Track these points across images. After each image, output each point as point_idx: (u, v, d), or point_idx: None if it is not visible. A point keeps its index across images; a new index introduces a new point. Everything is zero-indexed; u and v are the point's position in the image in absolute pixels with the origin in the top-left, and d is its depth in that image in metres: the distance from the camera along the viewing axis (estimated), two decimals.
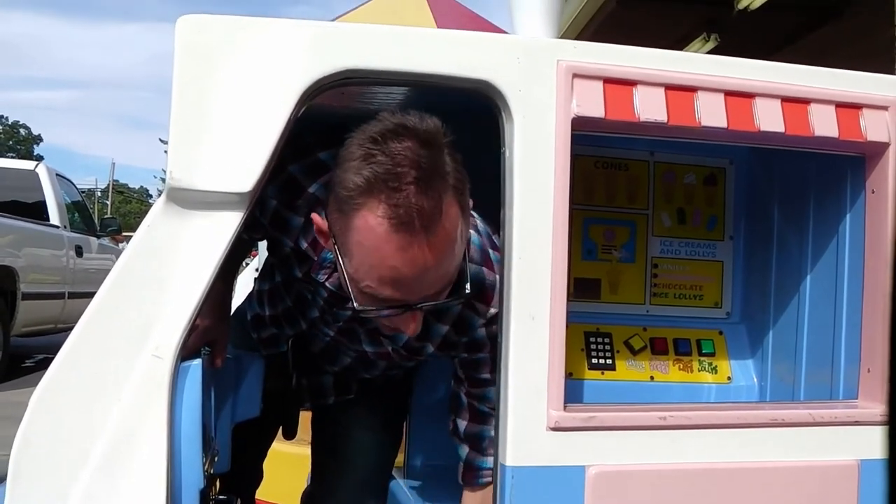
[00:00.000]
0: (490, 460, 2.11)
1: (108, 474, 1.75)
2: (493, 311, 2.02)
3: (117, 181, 78.50)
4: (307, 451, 2.64)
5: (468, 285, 1.84)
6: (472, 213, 2.05)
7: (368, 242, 1.68)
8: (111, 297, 1.78)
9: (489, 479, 2.12)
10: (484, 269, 2.02)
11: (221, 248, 1.77)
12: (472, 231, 2.01)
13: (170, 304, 1.77)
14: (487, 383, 2.12)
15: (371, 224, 1.65)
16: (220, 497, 2.15)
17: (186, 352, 1.81)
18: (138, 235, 1.79)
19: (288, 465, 3.14)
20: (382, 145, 1.66)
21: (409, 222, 1.63)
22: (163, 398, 1.76)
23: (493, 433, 2.07)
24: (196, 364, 1.83)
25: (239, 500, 2.23)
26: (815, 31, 7.40)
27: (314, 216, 1.81)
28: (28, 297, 9.23)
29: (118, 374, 1.76)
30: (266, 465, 2.75)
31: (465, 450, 2.14)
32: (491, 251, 2.05)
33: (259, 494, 2.77)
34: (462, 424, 2.14)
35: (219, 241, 1.77)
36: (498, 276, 1.99)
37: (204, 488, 1.84)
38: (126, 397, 1.76)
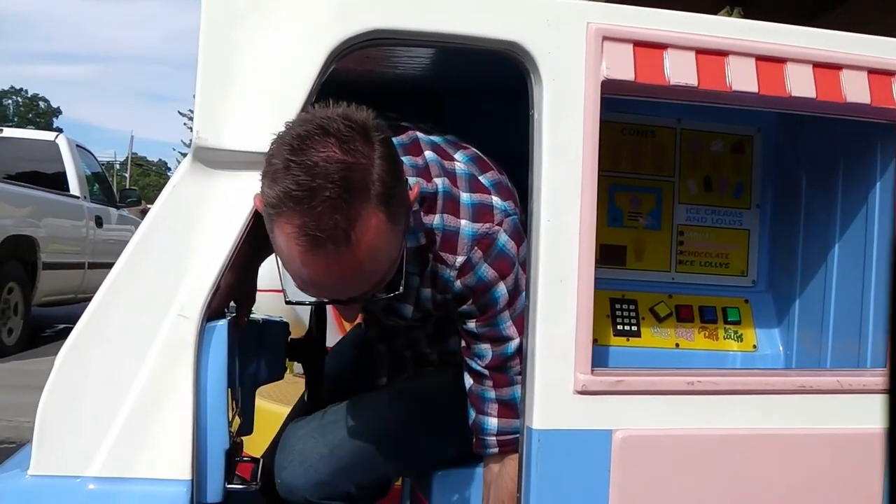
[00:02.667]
0: (492, 421, 2.07)
1: (133, 434, 1.76)
2: (460, 259, 1.96)
3: (136, 154, 78.79)
4: None
5: (402, 284, 1.82)
6: (455, 157, 2.03)
7: (286, 252, 1.66)
8: (137, 257, 1.78)
9: (495, 448, 2.09)
10: (447, 216, 1.96)
11: (247, 208, 1.77)
12: (439, 179, 1.97)
13: (195, 263, 1.77)
14: (477, 339, 2.05)
15: (286, 237, 1.63)
16: (245, 458, 2.15)
17: (211, 311, 1.81)
18: (164, 195, 1.79)
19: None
20: (301, 155, 1.60)
21: (319, 243, 1.61)
22: (189, 358, 1.76)
23: (493, 394, 2.06)
24: (222, 324, 1.83)
25: (261, 460, 2.23)
26: (838, 7, 7.34)
27: (255, 197, 1.75)
28: (48, 266, 9.25)
29: (144, 334, 1.76)
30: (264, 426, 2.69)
31: (472, 411, 2.12)
32: (464, 195, 1.98)
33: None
34: (468, 382, 2.12)
35: (244, 201, 1.77)
36: (468, 221, 1.96)
37: (229, 449, 1.84)
38: (152, 357, 1.76)
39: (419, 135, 2.05)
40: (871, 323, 2.19)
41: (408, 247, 1.85)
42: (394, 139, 1.92)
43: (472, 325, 2.04)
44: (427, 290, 2.04)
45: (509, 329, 2.00)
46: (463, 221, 1.96)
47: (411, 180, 1.88)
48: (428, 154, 2.00)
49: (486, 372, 2.05)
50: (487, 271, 1.96)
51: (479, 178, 2.01)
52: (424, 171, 1.95)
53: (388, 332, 2.43)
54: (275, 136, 1.67)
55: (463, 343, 2.10)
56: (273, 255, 1.79)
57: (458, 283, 1.99)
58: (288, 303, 1.84)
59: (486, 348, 2.04)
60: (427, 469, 2.29)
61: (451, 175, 1.99)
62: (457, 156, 2.04)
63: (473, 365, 2.07)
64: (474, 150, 2.08)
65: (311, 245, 1.60)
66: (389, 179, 1.66)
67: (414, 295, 2.06)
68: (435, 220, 1.95)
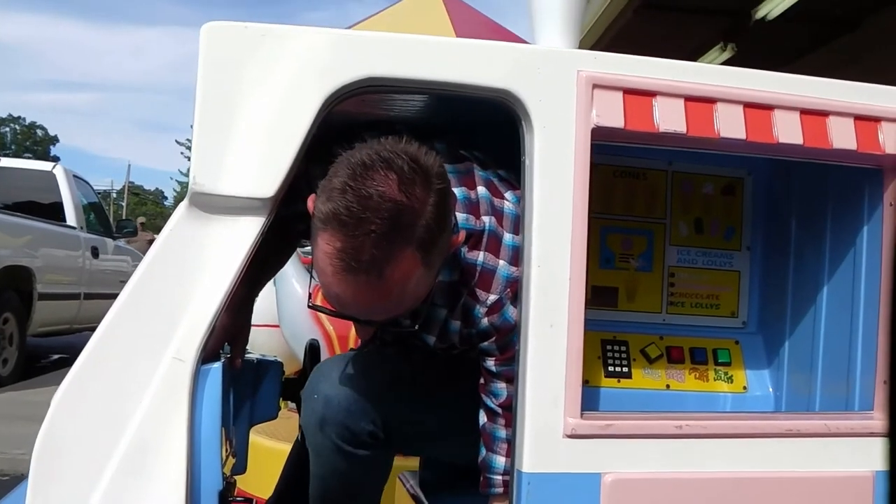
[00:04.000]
0: (500, 460, 2.10)
1: (128, 475, 1.77)
2: (492, 297, 2.02)
3: (133, 183, 78.82)
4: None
5: (418, 323, 1.94)
6: (506, 196, 2.09)
7: (321, 265, 1.75)
8: (134, 300, 1.80)
9: (500, 488, 2.11)
10: (488, 254, 2.02)
11: (243, 253, 1.79)
12: (487, 217, 2.03)
13: (191, 307, 1.79)
14: (494, 377, 2.11)
15: (323, 254, 1.72)
16: (238, 499, 2.16)
17: (207, 352, 1.83)
18: (161, 239, 1.82)
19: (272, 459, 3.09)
20: (361, 182, 1.68)
21: (352, 270, 1.70)
22: (183, 401, 1.78)
23: (503, 434, 2.09)
24: (216, 367, 1.85)
25: (255, 500, 2.24)
26: (832, 42, 7.40)
27: (311, 199, 1.82)
28: (44, 297, 9.27)
29: (140, 376, 1.78)
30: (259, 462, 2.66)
31: (483, 449, 2.15)
32: (507, 235, 2.04)
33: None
34: (482, 419, 2.15)
35: (241, 246, 1.80)
36: (506, 262, 2.02)
37: (223, 490, 1.86)
38: (147, 399, 1.78)
39: (475, 167, 2.11)
40: (860, 365, 2.21)
41: (442, 280, 1.95)
42: (451, 165, 2.00)
43: (490, 363, 2.10)
44: (456, 322, 2.09)
45: None
46: (501, 262, 2.02)
47: (460, 217, 1.97)
48: (480, 190, 2.06)
49: (500, 411, 2.10)
50: (514, 314, 2.01)
51: None
52: (475, 207, 2.02)
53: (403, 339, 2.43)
54: (343, 154, 1.75)
55: (481, 380, 2.15)
56: (264, 290, 1.83)
57: (485, 321, 2.05)
58: (310, 307, 1.98)
59: (502, 387, 2.09)
60: (436, 434, 2.31)
61: (498, 214, 2.05)
62: (507, 195, 2.10)
63: (489, 402, 2.12)
64: None
65: (344, 269, 1.70)
66: (435, 229, 1.75)
67: (438, 327, 2.11)
68: (479, 257, 2.02)
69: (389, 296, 1.76)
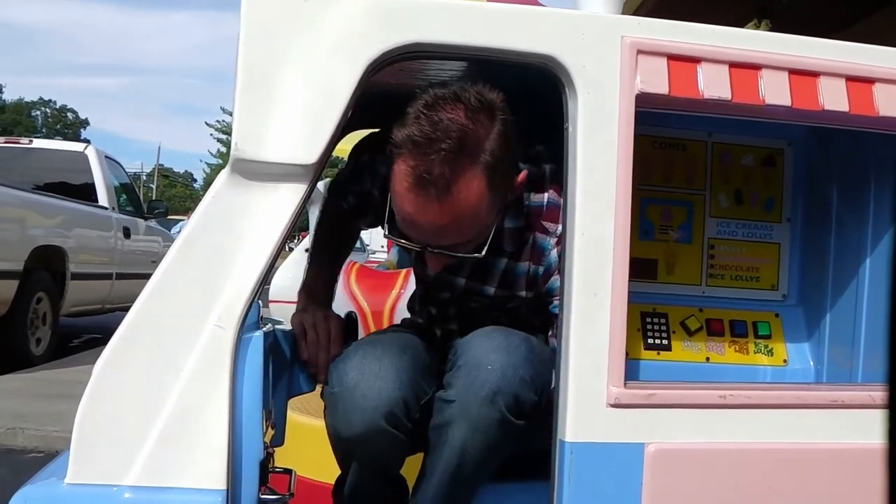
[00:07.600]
0: None
1: (170, 444, 1.77)
2: (561, 227, 2.02)
3: (162, 165, 79.28)
4: None
5: (485, 249, 2.04)
6: None
7: (396, 187, 1.92)
8: (175, 267, 1.80)
9: None
10: (552, 192, 2.17)
11: (286, 220, 1.79)
12: (547, 165, 2.17)
13: (233, 275, 1.79)
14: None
15: (399, 174, 1.90)
16: (277, 469, 2.16)
17: None
18: (203, 206, 1.81)
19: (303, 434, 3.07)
20: (432, 111, 1.87)
21: (424, 185, 1.86)
22: (225, 368, 1.77)
23: None
24: (258, 335, 1.85)
25: (294, 471, 2.24)
26: (865, 19, 7.32)
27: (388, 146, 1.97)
28: (77, 277, 9.29)
29: (181, 344, 1.78)
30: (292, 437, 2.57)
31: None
32: None
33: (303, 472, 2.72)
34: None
35: (283, 213, 1.79)
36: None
37: (263, 460, 1.85)
38: (189, 367, 1.77)
39: None
40: None
41: (509, 228, 2.15)
42: None
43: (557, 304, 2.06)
44: (524, 263, 2.19)
45: None
46: None
47: (522, 165, 2.10)
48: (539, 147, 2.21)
49: None
50: None
51: None
52: (535, 156, 2.17)
53: (446, 314, 2.42)
54: (422, 92, 1.93)
55: (550, 332, 2.22)
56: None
57: (553, 253, 2.14)
58: (386, 236, 2.14)
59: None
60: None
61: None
62: None
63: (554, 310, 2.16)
64: None
65: (416, 184, 1.87)
66: (499, 154, 1.91)
67: (498, 277, 2.22)
68: (544, 198, 2.19)
69: (455, 213, 1.90)
